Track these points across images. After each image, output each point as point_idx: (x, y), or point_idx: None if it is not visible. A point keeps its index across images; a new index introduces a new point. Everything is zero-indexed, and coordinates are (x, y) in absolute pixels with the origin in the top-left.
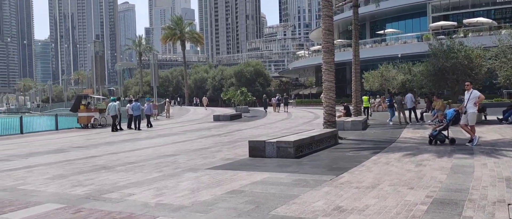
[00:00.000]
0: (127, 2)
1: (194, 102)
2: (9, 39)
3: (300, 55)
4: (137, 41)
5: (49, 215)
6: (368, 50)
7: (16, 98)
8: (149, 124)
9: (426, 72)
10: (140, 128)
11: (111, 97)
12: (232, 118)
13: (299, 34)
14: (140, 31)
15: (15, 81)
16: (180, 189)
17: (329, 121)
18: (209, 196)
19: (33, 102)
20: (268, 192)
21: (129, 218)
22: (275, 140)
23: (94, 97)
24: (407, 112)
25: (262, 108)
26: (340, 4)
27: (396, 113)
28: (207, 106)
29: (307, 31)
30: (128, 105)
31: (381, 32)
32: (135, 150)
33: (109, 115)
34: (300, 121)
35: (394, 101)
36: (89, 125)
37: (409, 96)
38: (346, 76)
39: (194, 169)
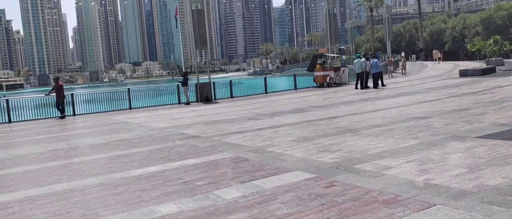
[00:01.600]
0: None
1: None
2: (253, 5)
3: None
4: None
5: (300, 187)
6: None
7: (260, 61)
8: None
9: None
10: (378, 86)
11: (357, 54)
12: (484, 72)
13: None
14: None
15: (258, 46)
16: (451, 164)
17: None
18: (500, 179)
19: (273, 64)
20: None
21: (394, 202)
22: None
23: (329, 56)
24: None
25: None
26: None
27: None
28: (439, 59)
29: None
30: (367, 62)
31: None
32: (378, 111)
33: (344, 73)
34: None
35: None
36: (324, 84)
37: None
38: None
39: (459, 137)
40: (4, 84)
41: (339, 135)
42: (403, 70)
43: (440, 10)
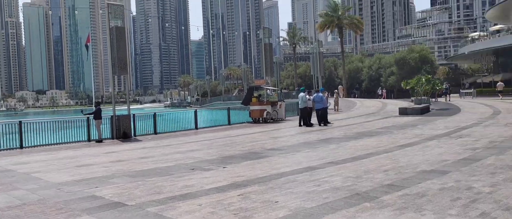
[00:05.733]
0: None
1: (379, 92)
2: (170, 37)
3: (475, 37)
4: (291, 32)
5: None
6: None
7: (177, 93)
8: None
9: None
10: (326, 124)
11: (301, 88)
12: (423, 111)
13: (458, 17)
14: (283, 26)
15: (175, 78)
16: None
17: None
18: None
19: (192, 96)
20: None
21: None
22: None
23: (267, 89)
24: None
25: (433, 99)
26: None
27: None
28: (343, 96)
29: (467, 14)
30: (308, 96)
31: None
32: (359, 159)
33: (281, 108)
34: None
35: None
36: (260, 119)
37: None
38: None
39: None
40: None
41: (357, 206)
42: (336, 107)
43: (350, 51)
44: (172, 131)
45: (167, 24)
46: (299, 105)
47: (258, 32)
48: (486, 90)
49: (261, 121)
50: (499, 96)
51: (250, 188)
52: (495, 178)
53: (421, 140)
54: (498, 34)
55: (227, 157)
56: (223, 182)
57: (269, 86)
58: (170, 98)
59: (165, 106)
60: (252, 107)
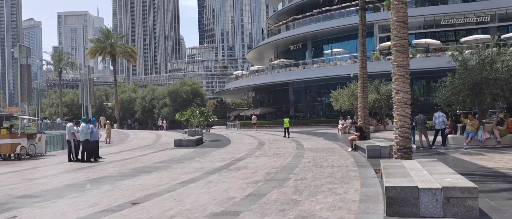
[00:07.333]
0: (32, 19)
1: (160, 124)
2: None
3: (238, 75)
4: (57, 56)
5: None
6: (317, 70)
7: None
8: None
9: (461, 87)
10: (97, 159)
11: (82, 118)
12: (197, 143)
13: (223, 56)
14: (48, 49)
15: None
16: None
17: (405, 148)
18: None
19: None
20: None
21: None
22: (438, 185)
23: (22, 118)
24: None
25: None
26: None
27: (418, 136)
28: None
29: (230, 54)
30: (75, 127)
31: (329, 51)
32: (140, 203)
33: (41, 142)
34: (275, 147)
35: (415, 121)
36: (12, 155)
37: (440, 115)
38: (288, 97)
39: None
40: None
41: None
42: (108, 139)
43: (122, 81)
44: None
45: None
46: (81, 138)
47: (13, 50)
48: (247, 122)
49: (13, 158)
50: (254, 128)
51: None
52: (286, 217)
53: (202, 175)
54: (256, 73)
55: None
56: None
57: (26, 115)
58: None
59: None
60: (0, 141)
